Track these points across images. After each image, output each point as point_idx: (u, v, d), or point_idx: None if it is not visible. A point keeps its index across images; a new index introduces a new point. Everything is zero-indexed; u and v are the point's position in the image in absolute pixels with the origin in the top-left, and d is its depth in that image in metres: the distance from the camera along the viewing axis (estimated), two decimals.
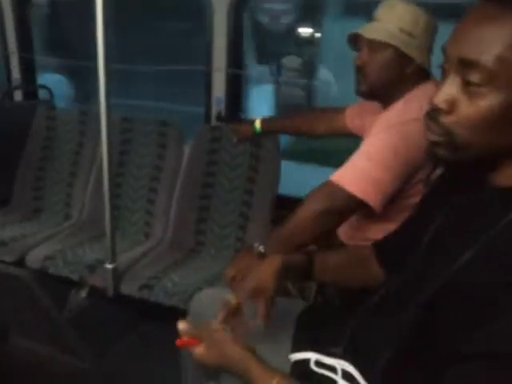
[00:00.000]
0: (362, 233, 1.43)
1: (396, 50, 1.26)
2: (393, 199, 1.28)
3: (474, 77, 0.60)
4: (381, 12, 1.31)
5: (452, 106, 0.63)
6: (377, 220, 1.37)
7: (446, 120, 0.64)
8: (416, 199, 1.09)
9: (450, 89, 0.63)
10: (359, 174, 1.22)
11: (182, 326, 0.84)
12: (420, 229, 0.83)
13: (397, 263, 0.89)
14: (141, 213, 2.19)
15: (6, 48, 2.63)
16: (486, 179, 0.70)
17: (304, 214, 1.27)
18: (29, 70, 2.71)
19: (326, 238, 1.41)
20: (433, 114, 0.65)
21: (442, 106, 0.64)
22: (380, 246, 1.07)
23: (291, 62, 4.64)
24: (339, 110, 1.71)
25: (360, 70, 1.33)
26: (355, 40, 1.34)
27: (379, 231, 1.37)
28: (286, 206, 1.32)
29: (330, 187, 1.25)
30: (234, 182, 2.06)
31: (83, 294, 1.97)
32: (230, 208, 2.06)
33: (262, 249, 1.33)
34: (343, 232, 1.51)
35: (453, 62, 0.63)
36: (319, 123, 1.78)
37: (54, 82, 3.27)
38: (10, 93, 2.70)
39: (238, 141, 2.00)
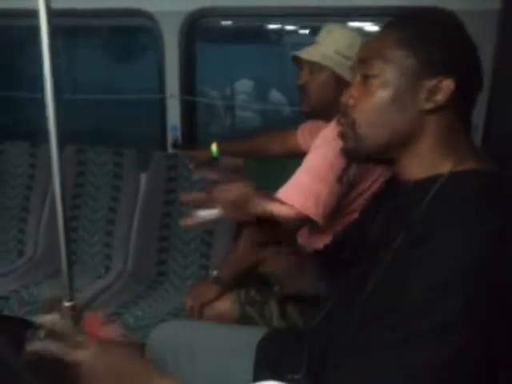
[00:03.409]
0: (310, 246, 1.43)
1: (332, 71, 1.33)
2: (336, 213, 1.29)
3: (370, 70, 0.75)
4: (320, 36, 1.39)
5: (356, 99, 0.76)
6: (324, 233, 1.37)
7: (352, 112, 0.76)
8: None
9: (355, 86, 0.77)
10: (299, 189, 1.24)
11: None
12: (361, 235, 0.86)
13: (340, 272, 0.88)
14: (99, 245, 2.12)
15: None
16: (399, 176, 0.78)
17: (252, 233, 1.26)
18: None
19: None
20: (343, 110, 0.78)
21: (348, 101, 0.77)
22: (322, 255, 1.05)
23: None
24: (292, 130, 1.74)
25: (302, 90, 1.39)
26: (298, 61, 1.40)
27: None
28: None
29: None
30: None
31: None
32: (192, 236, 2.02)
33: (216, 274, 1.34)
34: None
35: (356, 65, 0.78)
36: (274, 144, 1.81)
37: None
38: None
39: (195, 166, 1.98)
